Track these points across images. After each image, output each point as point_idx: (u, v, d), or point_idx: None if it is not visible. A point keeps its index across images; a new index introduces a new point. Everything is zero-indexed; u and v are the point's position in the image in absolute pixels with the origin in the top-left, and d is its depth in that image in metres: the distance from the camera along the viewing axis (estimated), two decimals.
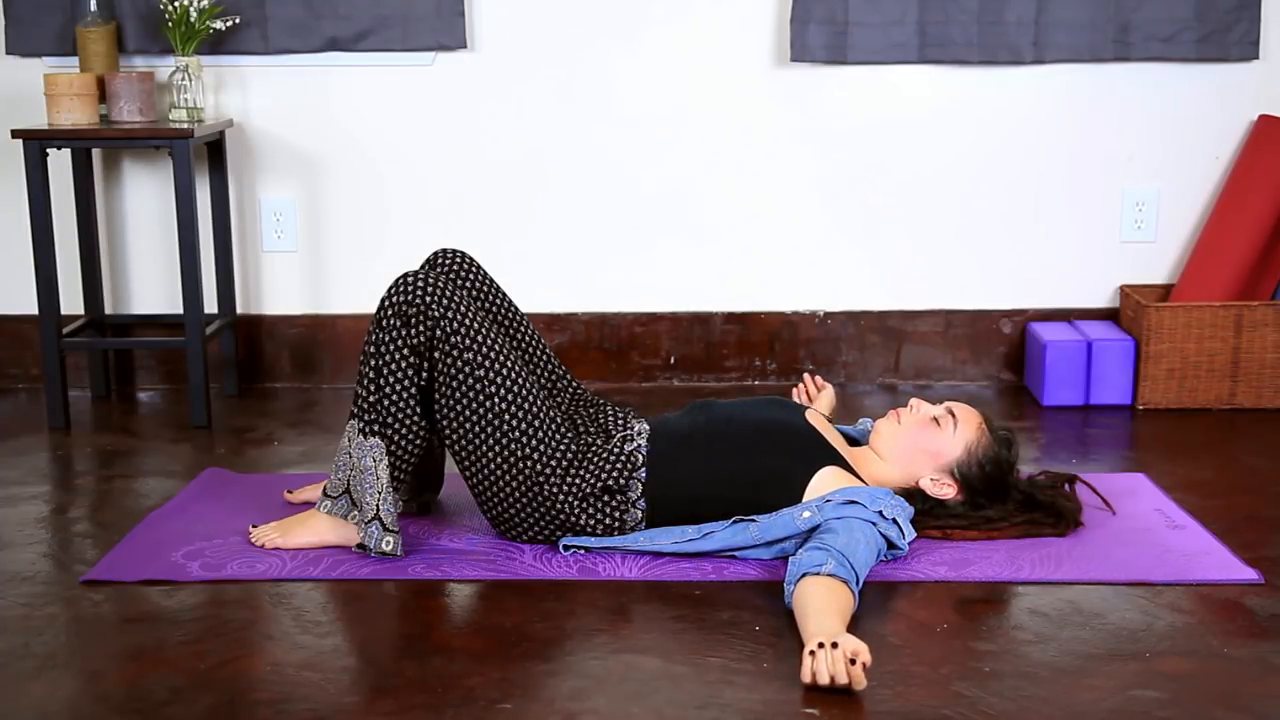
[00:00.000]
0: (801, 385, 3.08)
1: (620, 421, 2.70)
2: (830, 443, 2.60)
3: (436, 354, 2.51)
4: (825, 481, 2.53)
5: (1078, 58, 3.70)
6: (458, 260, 2.79)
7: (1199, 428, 3.46)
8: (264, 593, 2.44)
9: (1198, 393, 3.59)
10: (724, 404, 2.72)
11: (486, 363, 2.52)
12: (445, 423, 2.55)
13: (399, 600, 2.42)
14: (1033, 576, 2.48)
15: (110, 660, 2.18)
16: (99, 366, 3.81)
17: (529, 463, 2.54)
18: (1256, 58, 3.70)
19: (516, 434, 2.53)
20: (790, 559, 2.34)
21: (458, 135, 3.80)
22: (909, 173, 3.81)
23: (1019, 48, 3.68)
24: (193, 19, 3.53)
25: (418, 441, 2.56)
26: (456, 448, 2.56)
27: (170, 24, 3.54)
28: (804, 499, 2.52)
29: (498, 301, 2.79)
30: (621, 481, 2.56)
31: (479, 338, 2.52)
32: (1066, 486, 2.75)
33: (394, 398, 2.52)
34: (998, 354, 3.89)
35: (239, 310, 3.87)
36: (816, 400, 3.02)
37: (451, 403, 2.53)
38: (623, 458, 2.58)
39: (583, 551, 2.58)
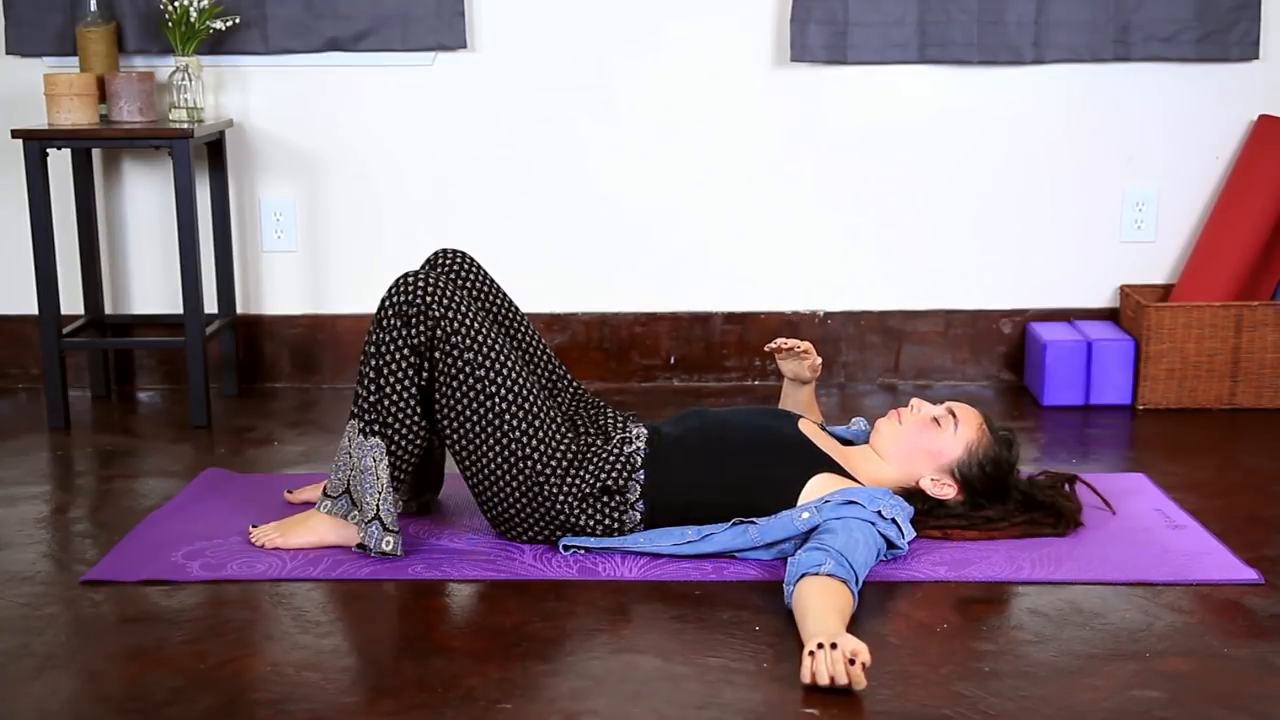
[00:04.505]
0: (780, 348, 2.86)
1: (619, 425, 2.70)
2: (822, 449, 2.61)
3: (437, 354, 2.51)
4: (819, 487, 2.54)
5: (1078, 58, 3.70)
6: (458, 260, 2.79)
7: (1199, 428, 3.46)
8: (264, 593, 2.44)
9: (1198, 393, 3.59)
10: (717, 411, 2.72)
11: (487, 363, 2.52)
12: (445, 423, 2.55)
13: (399, 600, 2.42)
14: (1033, 576, 2.48)
15: (110, 660, 2.18)
16: (99, 366, 3.81)
17: (529, 463, 2.54)
18: (1256, 58, 3.70)
19: (516, 434, 2.53)
20: (789, 559, 2.34)
21: (458, 135, 3.80)
22: (909, 173, 3.81)
23: (1019, 48, 3.68)
24: (193, 19, 3.53)
25: (418, 441, 2.56)
26: (456, 448, 2.56)
27: (170, 24, 3.54)
28: (798, 505, 2.52)
29: (498, 301, 2.79)
30: (620, 482, 2.56)
31: (479, 338, 2.52)
32: (1066, 486, 2.75)
33: (394, 398, 2.52)
34: (998, 354, 3.89)
35: (239, 310, 3.87)
36: (798, 383, 2.93)
37: (452, 403, 2.53)
38: (622, 459, 2.58)
39: (583, 551, 2.58)
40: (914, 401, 2.70)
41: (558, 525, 2.58)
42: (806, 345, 2.87)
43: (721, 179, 3.81)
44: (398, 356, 2.51)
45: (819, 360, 2.90)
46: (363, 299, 3.84)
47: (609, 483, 2.55)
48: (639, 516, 2.57)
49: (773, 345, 2.85)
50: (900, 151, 3.80)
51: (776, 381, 3.85)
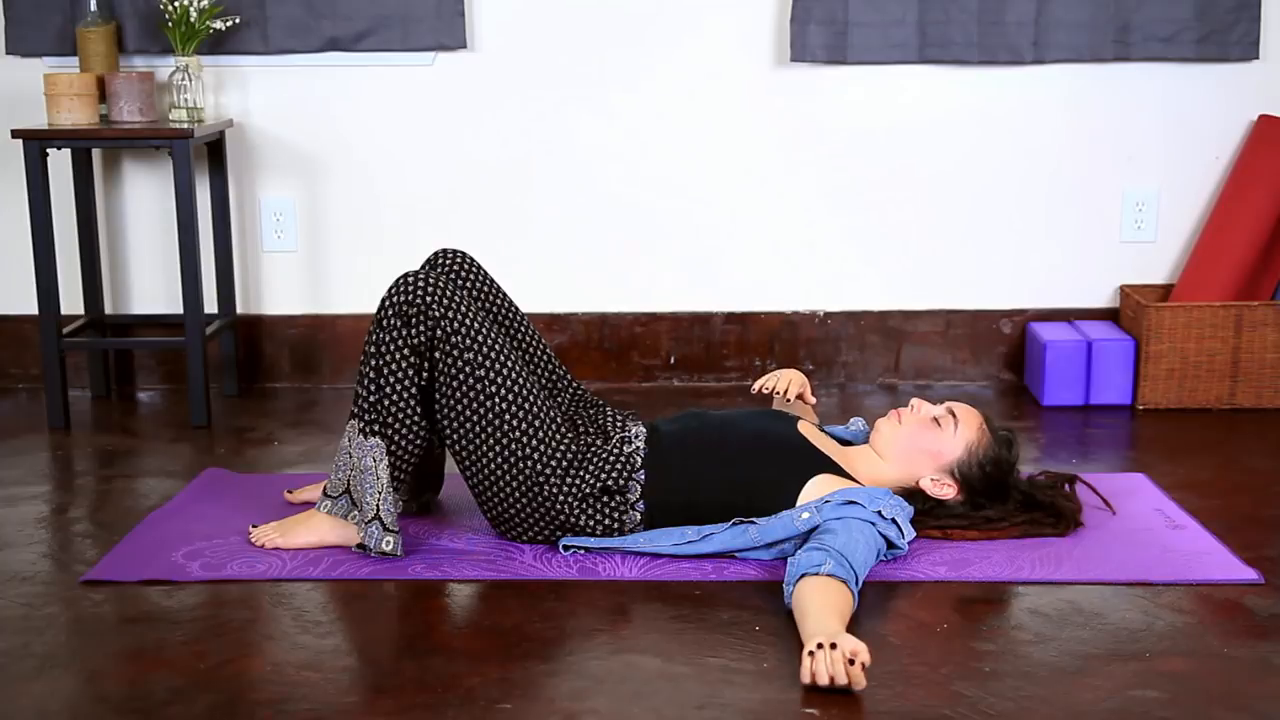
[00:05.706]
0: (772, 388, 2.86)
1: (618, 424, 2.70)
2: (822, 450, 2.61)
3: (437, 354, 2.51)
4: (818, 487, 2.54)
5: (1078, 58, 3.70)
6: (458, 260, 2.79)
7: (1199, 428, 3.46)
8: (264, 593, 2.44)
9: (1198, 393, 3.59)
10: (716, 412, 2.72)
11: (487, 363, 2.52)
12: (445, 423, 2.55)
13: (399, 600, 2.42)
14: (1033, 576, 2.48)
15: (110, 660, 2.18)
16: (99, 366, 3.81)
17: (529, 463, 2.54)
18: (1256, 58, 3.70)
19: (516, 434, 2.53)
20: (789, 559, 2.34)
21: (457, 135, 3.80)
22: (909, 172, 3.81)
23: (1019, 48, 3.68)
24: (193, 19, 3.53)
25: (418, 441, 2.56)
26: (456, 448, 2.56)
27: (170, 24, 3.54)
28: (798, 505, 2.52)
29: (498, 301, 2.79)
30: (621, 482, 2.56)
31: (479, 338, 2.52)
32: (1066, 486, 2.75)
33: (394, 398, 2.52)
34: (998, 354, 3.89)
35: (239, 310, 3.87)
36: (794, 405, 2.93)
37: (452, 403, 2.53)
38: (622, 459, 2.58)
39: (583, 551, 2.58)
40: (914, 401, 2.70)
41: (558, 525, 2.58)
42: (790, 389, 2.83)
43: (721, 179, 3.81)
44: (398, 356, 2.51)
45: (811, 399, 2.87)
46: (363, 299, 3.84)
47: (609, 483, 2.55)
48: (639, 516, 2.57)
49: (754, 390, 2.86)
50: (900, 151, 3.80)
51: None
